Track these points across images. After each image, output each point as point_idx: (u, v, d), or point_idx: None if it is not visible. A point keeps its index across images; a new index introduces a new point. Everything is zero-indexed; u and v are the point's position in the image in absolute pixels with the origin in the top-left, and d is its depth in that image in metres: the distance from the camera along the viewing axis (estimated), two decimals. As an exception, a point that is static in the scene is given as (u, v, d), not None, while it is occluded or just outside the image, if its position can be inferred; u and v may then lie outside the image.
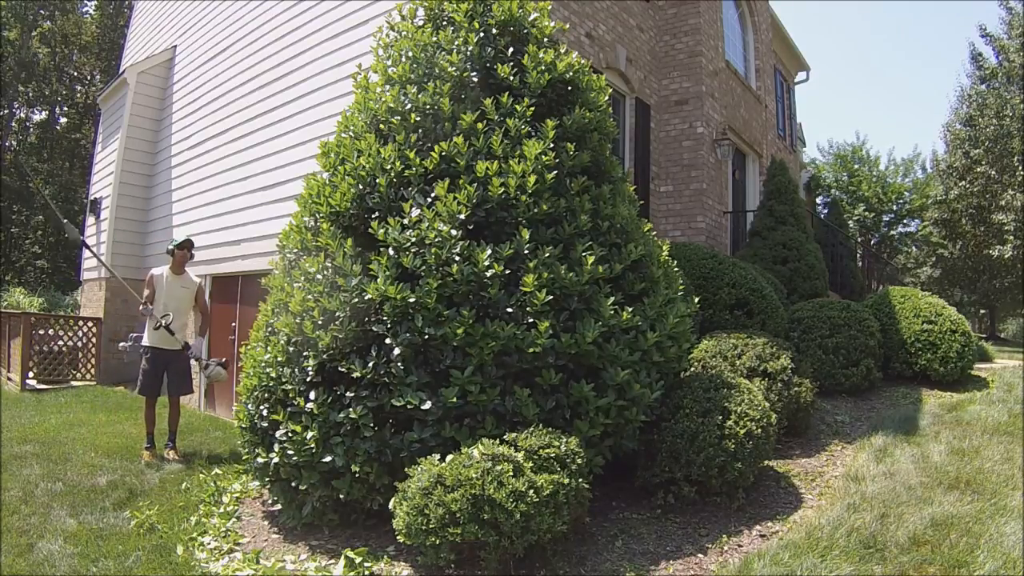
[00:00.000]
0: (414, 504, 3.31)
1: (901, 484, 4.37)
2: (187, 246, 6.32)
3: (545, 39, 4.80)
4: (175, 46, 11.51)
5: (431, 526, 3.24)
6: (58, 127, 26.02)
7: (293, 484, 4.15)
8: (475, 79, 4.56)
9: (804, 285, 9.58)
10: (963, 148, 18.77)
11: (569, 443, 3.65)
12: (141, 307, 6.16)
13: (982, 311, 25.97)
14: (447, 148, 4.25)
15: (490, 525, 3.21)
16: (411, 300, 3.84)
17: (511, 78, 4.50)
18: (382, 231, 4.11)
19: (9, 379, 10.46)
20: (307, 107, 7.76)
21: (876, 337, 7.10)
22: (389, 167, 4.30)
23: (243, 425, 4.48)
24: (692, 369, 5.16)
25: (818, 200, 24.57)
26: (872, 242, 25.87)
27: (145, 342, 6.19)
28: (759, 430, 4.22)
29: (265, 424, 4.28)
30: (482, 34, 4.65)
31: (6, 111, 24.20)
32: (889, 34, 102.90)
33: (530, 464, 3.45)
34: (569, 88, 4.68)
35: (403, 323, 3.87)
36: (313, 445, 3.90)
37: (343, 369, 3.97)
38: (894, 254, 26.64)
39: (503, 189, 4.09)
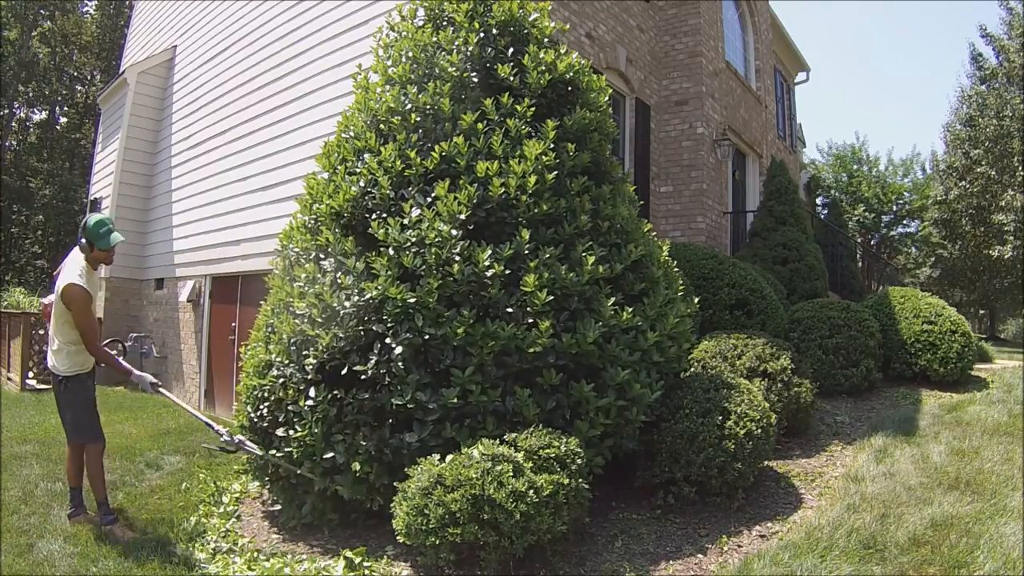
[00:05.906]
0: (414, 504, 3.32)
1: (901, 484, 4.37)
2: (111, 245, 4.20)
3: (545, 39, 4.80)
4: (175, 46, 11.52)
5: (431, 526, 3.24)
6: (58, 127, 26.02)
7: (293, 481, 4.15)
8: (475, 79, 4.56)
9: (804, 285, 9.58)
10: (963, 148, 18.77)
11: (569, 443, 3.65)
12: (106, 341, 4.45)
13: (982, 311, 25.96)
14: (447, 148, 4.25)
15: (490, 525, 3.21)
16: (411, 300, 3.84)
17: (511, 78, 4.50)
18: (382, 231, 4.10)
19: (9, 379, 10.45)
20: (307, 107, 7.77)
21: (876, 338, 7.10)
22: (389, 167, 4.30)
23: (243, 424, 4.48)
24: (692, 369, 5.16)
25: (818, 200, 24.59)
26: (872, 242, 25.86)
27: (72, 370, 4.11)
28: (759, 430, 4.21)
29: (265, 424, 4.28)
30: (482, 34, 4.65)
31: (6, 111, 24.19)
32: (889, 34, 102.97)
33: (530, 464, 3.45)
34: (569, 88, 4.68)
35: (403, 323, 3.87)
36: (315, 441, 3.91)
37: (343, 369, 3.97)
38: (894, 254, 26.63)
39: (503, 189, 4.09)
